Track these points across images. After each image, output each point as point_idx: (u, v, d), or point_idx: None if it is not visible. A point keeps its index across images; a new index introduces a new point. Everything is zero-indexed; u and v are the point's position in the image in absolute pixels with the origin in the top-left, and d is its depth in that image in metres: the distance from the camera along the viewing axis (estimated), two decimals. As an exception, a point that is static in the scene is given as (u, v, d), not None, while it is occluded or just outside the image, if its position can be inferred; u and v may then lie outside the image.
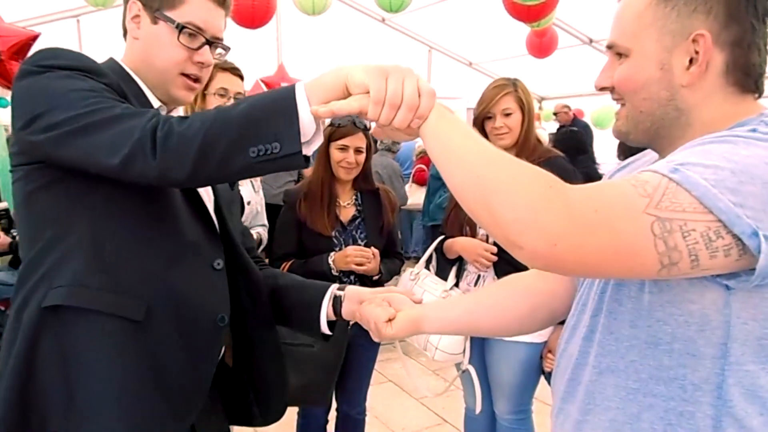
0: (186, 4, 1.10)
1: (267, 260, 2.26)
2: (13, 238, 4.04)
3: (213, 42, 1.14)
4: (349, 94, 0.86)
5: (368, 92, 0.83)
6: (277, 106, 0.88)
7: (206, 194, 1.20)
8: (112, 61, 1.14)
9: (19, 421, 1.00)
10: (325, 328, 1.28)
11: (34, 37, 3.41)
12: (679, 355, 0.79)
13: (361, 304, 1.21)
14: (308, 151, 0.90)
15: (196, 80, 1.14)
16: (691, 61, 0.83)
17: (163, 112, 1.05)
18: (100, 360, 1.00)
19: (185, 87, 1.14)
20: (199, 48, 1.12)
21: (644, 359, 0.82)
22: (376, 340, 1.17)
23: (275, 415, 1.35)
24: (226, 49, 1.19)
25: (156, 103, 1.14)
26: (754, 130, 0.76)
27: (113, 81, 1.03)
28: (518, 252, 0.72)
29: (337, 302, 1.26)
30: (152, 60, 1.11)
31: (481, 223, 0.76)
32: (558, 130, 8.29)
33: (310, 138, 0.90)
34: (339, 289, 1.29)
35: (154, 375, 1.04)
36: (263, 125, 0.87)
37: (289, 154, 0.87)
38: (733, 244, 0.69)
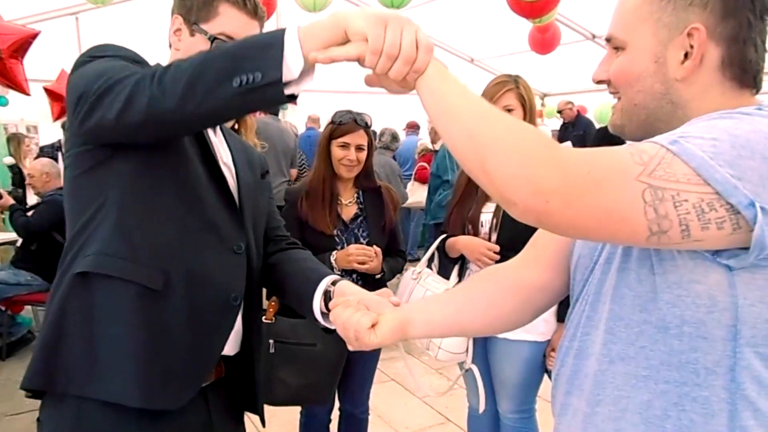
0: (219, 16, 1.18)
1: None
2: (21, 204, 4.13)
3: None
4: (348, 41, 0.87)
5: (367, 40, 0.84)
6: (264, 40, 0.92)
7: (231, 179, 1.27)
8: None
9: (47, 381, 1.09)
10: (323, 323, 1.27)
11: (34, 36, 3.42)
12: (690, 338, 0.78)
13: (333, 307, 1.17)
14: (296, 89, 0.93)
15: None
16: (686, 55, 0.83)
17: None
18: (120, 324, 1.08)
19: None
20: None
21: (655, 344, 0.81)
22: (356, 348, 1.05)
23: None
24: None
25: None
26: (759, 108, 0.77)
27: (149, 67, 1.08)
28: (512, 208, 0.73)
29: (327, 297, 1.26)
30: None
31: (476, 178, 0.77)
32: (561, 126, 8.28)
33: (298, 77, 0.92)
34: (333, 283, 1.27)
35: (168, 342, 1.11)
36: (248, 57, 0.91)
37: (271, 82, 0.90)
38: (727, 218, 0.69)
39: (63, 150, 1.15)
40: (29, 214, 4.07)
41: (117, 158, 1.09)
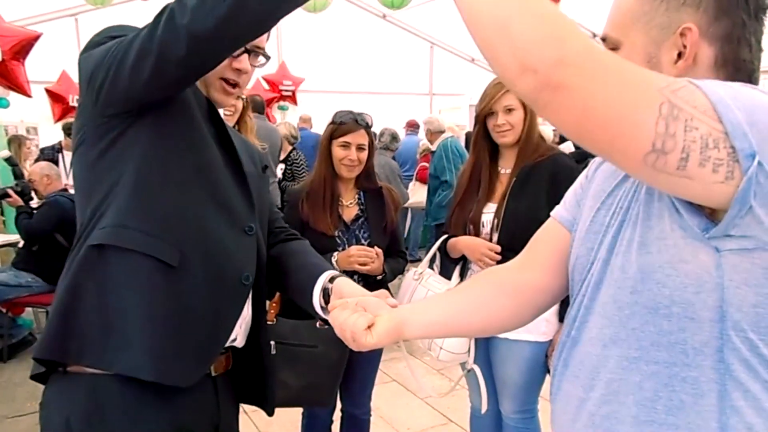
0: None
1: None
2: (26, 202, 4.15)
3: (252, 51, 1.22)
4: None
5: None
6: None
7: (242, 166, 1.28)
8: None
9: (60, 350, 1.08)
10: (323, 315, 1.28)
11: (36, 37, 3.43)
12: (678, 319, 0.78)
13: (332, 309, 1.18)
14: None
15: (235, 85, 1.23)
16: (679, 55, 0.83)
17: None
18: (134, 296, 1.07)
19: (223, 91, 1.23)
20: (239, 56, 1.19)
21: (645, 325, 0.82)
22: (354, 349, 1.08)
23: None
24: (267, 57, 1.27)
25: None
26: None
27: None
28: (528, 77, 0.69)
29: (326, 294, 1.27)
30: None
31: (493, 49, 0.72)
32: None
33: None
34: (331, 279, 1.28)
35: (181, 318, 1.10)
36: None
37: None
38: (725, 162, 0.68)
39: (73, 134, 1.15)
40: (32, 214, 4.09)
41: (133, 129, 1.09)
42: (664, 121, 0.68)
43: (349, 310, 1.07)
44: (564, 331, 0.98)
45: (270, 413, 1.42)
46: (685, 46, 0.82)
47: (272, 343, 2.02)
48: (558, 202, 1.93)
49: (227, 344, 1.24)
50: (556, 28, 0.69)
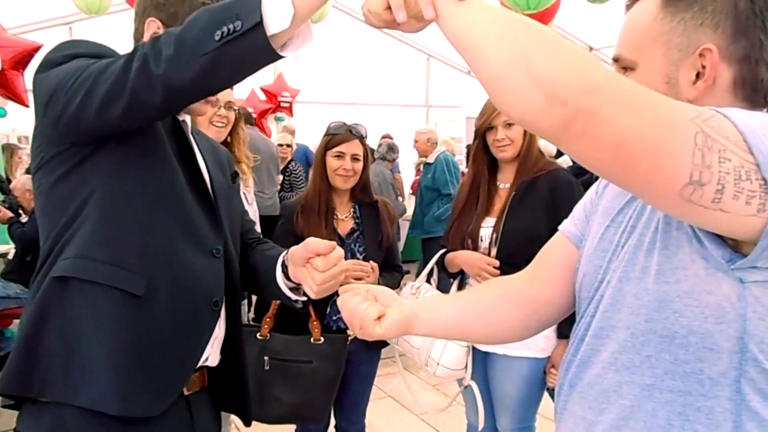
0: None
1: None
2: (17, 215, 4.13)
3: None
4: None
5: None
6: None
7: (205, 181, 1.26)
8: None
9: (21, 385, 1.07)
10: (293, 296, 1.29)
11: (36, 48, 3.44)
12: (696, 348, 0.78)
13: (304, 265, 1.20)
14: (293, 49, 0.92)
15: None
16: (698, 75, 0.83)
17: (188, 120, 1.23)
18: (98, 329, 1.05)
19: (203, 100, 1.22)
20: None
21: (660, 353, 0.81)
22: (359, 337, 1.07)
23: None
24: None
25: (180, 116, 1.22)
26: None
27: None
28: (557, 110, 0.66)
29: (285, 269, 1.27)
30: None
31: (509, 86, 0.70)
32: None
33: (296, 38, 0.91)
34: (286, 254, 1.29)
35: (147, 348, 1.09)
36: (227, 7, 0.90)
37: (250, 28, 0.87)
38: (757, 194, 0.68)
39: (31, 157, 1.15)
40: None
41: (95, 157, 1.06)
42: (700, 151, 0.66)
43: (360, 297, 1.04)
44: (570, 350, 0.98)
45: (247, 423, 1.41)
46: (704, 67, 0.82)
47: (266, 358, 2.02)
48: (557, 217, 1.93)
49: (199, 365, 1.22)
50: (579, 59, 0.68)
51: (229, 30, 0.87)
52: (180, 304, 1.13)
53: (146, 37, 1.17)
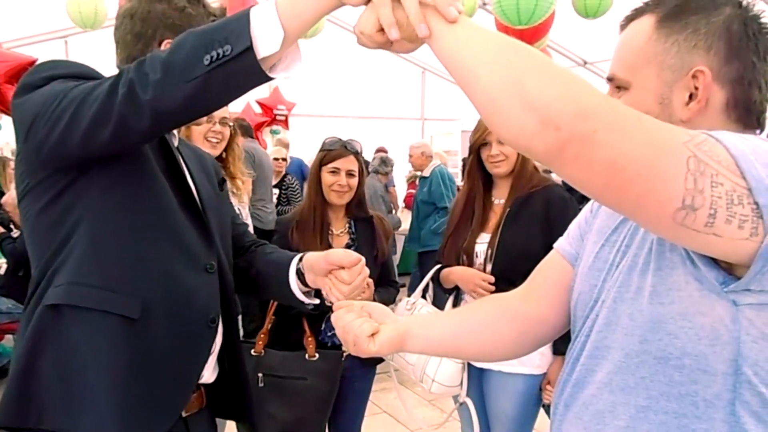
0: None
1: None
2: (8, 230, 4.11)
3: None
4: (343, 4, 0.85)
5: None
6: (231, 16, 0.90)
7: (194, 196, 1.24)
8: None
9: (19, 415, 1.05)
10: (307, 300, 1.30)
11: (31, 63, 3.45)
12: (690, 370, 0.79)
13: (325, 275, 1.21)
14: (283, 70, 0.92)
15: None
16: (690, 96, 0.84)
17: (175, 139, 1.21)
18: (96, 356, 1.05)
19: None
20: None
21: (655, 375, 0.82)
22: (353, 353, 1.08)
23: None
24: None
25: None
26: None
27: None
28: (552, 133, 0.67)
29: (300, 275, 1.27)
30: None
31: (502, 110, 0.71)
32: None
33: (285, 59, 0.91)
34: (299, 260, 1.29)
35: (146, 370, 1.08)
36: (217, 31, 0.89)
37: (240, 52, 0.86)
38: (749, 218, 0.68)
39: (16, 183, 1.16)
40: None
41: (80, 182, 1.05)
42: (693, 176, 0.67)
43: (355, 314, 1.05)
44: (565, 369, 0.98)
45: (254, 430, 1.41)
46: (696, 88, 0.83)
47: (260, 375, 2.01)
48: (552, 233, 1.94)
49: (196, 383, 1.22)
50: (573, 83, 0.69)
51: (218, 54, 0.87)
52: (177, 323, 1.13)
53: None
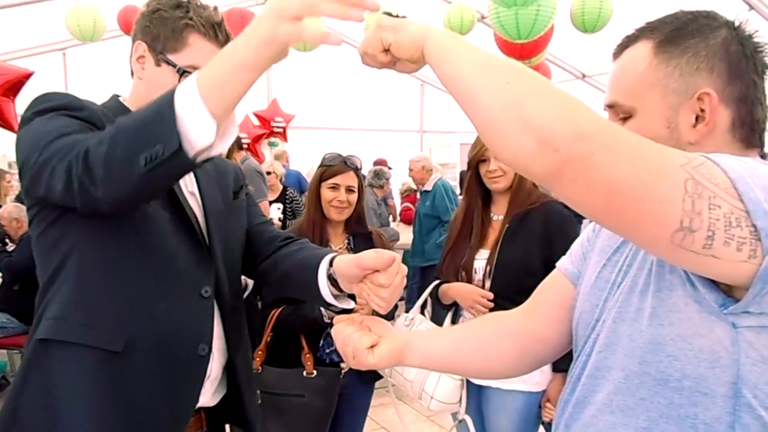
0: (188, 47, 1.16)
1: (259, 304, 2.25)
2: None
3: None
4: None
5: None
6: (156, 106, 0.87)
7: (198, 209, 1.23)
8: (114, 100, 1.22)
9: None
10: (339, 304, 1.23)
11: (27, 75, 3.45)
12: (690, 393, 0.79)
13: (352, 279, 1.15)
14: (220, 146, 0.90)
15: None
16: (697, 118, 0.85)
17: None
18: (78, 392, 1.06)
19: None
20: None
21: (654, 396, 0.82)
22: (352, 366, 1.08)
23: None
24: None
25: None
26: None
27: (94, 113, 1.08)
28: (551, 155, 0.68)
29: (333, 281, 1.21)
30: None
31: (501, 130, 0.72)
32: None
33: (212, 138, 0.86)
34: (330, 264, 1.22)
35: (132, 404, 1.08)
36: (146, 128, 0.87)
37: (173, 153, 0.85)
38: (748, 241, 0.69)
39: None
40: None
41: (68, 215, 1.06)
42: (690, 198, 0.68)
43: (354, 327, 1.07)
44: (566, 389, 0.98)
45: None
46: (702, 110, 0.84)
47: (258, 392, 2.00)
48: (551, 250, 1.95)
49: (196, 407, 1.21)
50: (571, 105, 0.70)
51: (152, 156, 0.86)
52: (164, 354, 1.12)
53: (133, 58, 1.19)
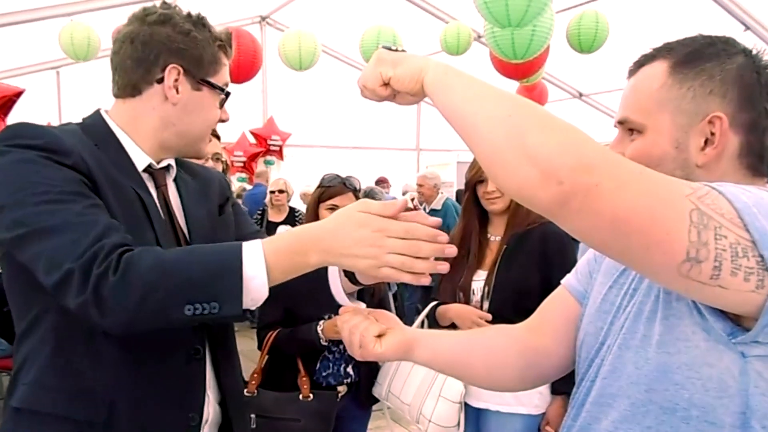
0: (222, 68, 1.19)
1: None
2: None
3: (227, 94, 1.23)
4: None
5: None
6: (220, 267, 0.89)
7: (182, 238, 1.17)
8: (97, 115, 1.16)
9: None
10: (350, 303, 1.17)
11: (18, 93, 3.47)
12: (698, 422, 0.78)
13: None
14: (255, 305, 0.92)
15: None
16: (706, 141, 0.86)
17: (148, 161, 1.15)
18: None
19: (209, 140, 1.26)
20: (222, 105, 1.22)
21: (661, 425, 0.82)
22: (357, 357, 1.07)
23: None
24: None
25: (143, 159, 1.15)
26: None
27: (77, 159, 1.00)
28: (554, 187, 0.68)
29: (350, 275, 1.16)
30: (194, 123, 1.17)
31: (504, 163, 0.73)
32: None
33: (262, 301, 0.91)
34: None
35: None
36: (203, 284, 0.88)
37: (230, 315, 0.89)
38: (755, 270, 0.69)
39: None
40: None
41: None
42: (696, 229, 0.68)
43: (361, 316, 1.08)
44: (569, 414, 0.98)
45: None
46: (713, 134, 0.85)
47: (252, 416, 1.99)
48: (549, 271, 1.97)
49: None
50: (573, 136, 0.71)
51: (202, 309, 0.87)
52: (149, 425, 1.06)
53: (167, 83, 1.12)
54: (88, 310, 0.88)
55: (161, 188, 1.18)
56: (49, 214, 0.92)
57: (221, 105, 1.21)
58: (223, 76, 1.18)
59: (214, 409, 1.18)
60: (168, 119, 1.15)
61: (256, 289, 0.89)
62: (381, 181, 7.85)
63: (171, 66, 1.11)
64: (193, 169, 1.33)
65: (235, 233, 1.32)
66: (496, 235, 2.17)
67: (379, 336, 1.06)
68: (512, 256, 2.06)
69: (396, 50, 0.90)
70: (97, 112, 1.18)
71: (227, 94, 1.19)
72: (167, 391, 1.08)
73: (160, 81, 1.12)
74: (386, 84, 0.88)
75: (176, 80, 1.13)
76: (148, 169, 1.16)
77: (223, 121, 1.23)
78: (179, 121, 1.16)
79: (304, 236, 0.93)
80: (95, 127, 1.14)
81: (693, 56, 0.87)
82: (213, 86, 1.16)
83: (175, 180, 1.25)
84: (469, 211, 2.19)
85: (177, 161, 1.26)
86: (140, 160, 1.15)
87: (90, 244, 0.89)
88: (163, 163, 1.21)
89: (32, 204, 0.93)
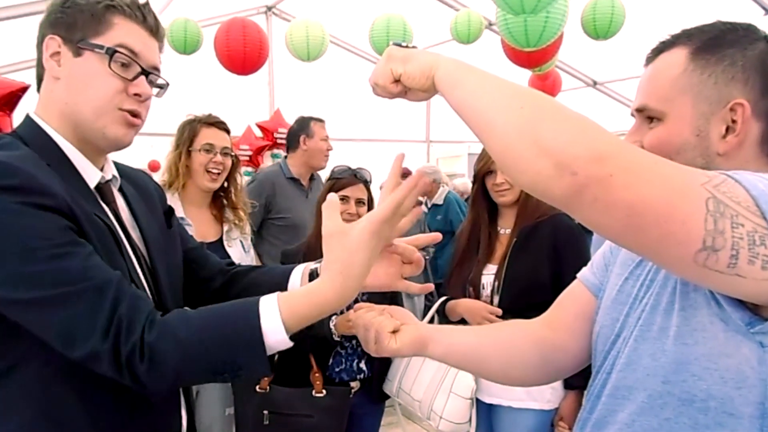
0: (114, 29, 1.04)
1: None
2: None
3: (150, 72, 1.08)
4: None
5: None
6: (241, 335, 0.91)
7: (144, 261, 1.12)
8: (29, 121, 1.06)
9: None
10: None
11: (23, 89, 3.48)
12: (716, 413, 0.79)
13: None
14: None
15: (136, 115, 1.07)
16: (727, 129, 0.86)
17: (99, 176, 1.07)
18: None
19: (124, 123, 1.06)
20: (135, 78, 1.05)
21: (679, 417, 0.82)
22: (372, 353, 1.10)
23: None
24: (164, 86, 1.14)
25: (93, 174, 1.07)
26: None
27: (60, 201, 0.92)
28: (569, 178, 0.70)
29: (314, 276, 1.17)
30: (81, 99, 1.03)
31: (518, 155, 0.74)
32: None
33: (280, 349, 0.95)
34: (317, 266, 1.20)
35: None
36: (230, 360, 0.92)
37: (258, 373, 0.96)
38: None
39: None
40: None
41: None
42: (712, 217, 0.69)
43: (376, 312, 1.11)
44: (585, 407, 1.00)
45: None
46: (734, 121, 0.86)
47: (265, 412, 2.03)
48: (560, 264, 1.99)
49: None
50: (587, 127, 0.73)
51: (230, 375, 0.93)
52: None
53: (45, 57, 1.04)
54: (128, 383, 0.91)
55: (112, 205, 1.10)
56: (50, 277, 0.87)
57: (130, 76, 1.04)
58: (114, 37, 1.03)
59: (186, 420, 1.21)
60: (61, 100, 1.04)
61: (277, 345, 0.93)
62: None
63: (48, 37, 1.04)
64: (127, 174, 1.21)
65: (181, 247, 1.28)
66: (505, 227, 2.19)
67: (394, 332, 1.08)
68: (522, 249, 2.08)
69: (407, 46, 0.92)
70: (28, 118, 1.06)
71: (112, 53, 1.01)
72: (148, 423, 1.08)
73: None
74: (397, 81, 0.91)
75: (56, 52, 1.03)
76: (98, 185, 1.08)
77: (138, 96, 1.05)
78: (69, 98, 1.03)
79: (324, 307, 0.95)
80: (36, 138, 1.03)
81: (714, 42, 0.88)
82: (95, 46, 1.01)
83: (120, 190, 1.16)
84: (478, 203, 2.22)
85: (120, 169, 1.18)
86: (90, 175, 1.06)
87: (108, 318, 0.87)
88: (108, 175, 1.12)
89: (26, 264, 0.87)
